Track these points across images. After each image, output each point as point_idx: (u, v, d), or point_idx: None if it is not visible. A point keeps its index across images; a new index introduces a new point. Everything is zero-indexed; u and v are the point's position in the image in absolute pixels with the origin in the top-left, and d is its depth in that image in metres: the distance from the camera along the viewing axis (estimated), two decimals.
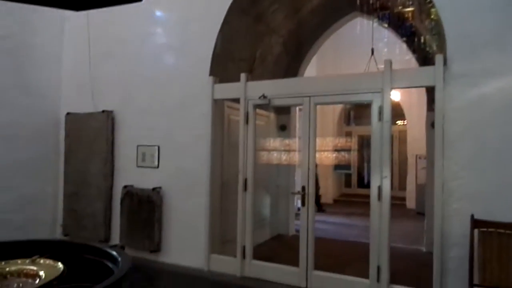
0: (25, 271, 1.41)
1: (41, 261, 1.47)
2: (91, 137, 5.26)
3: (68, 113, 5.51)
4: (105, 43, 5.35)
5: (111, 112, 5.18)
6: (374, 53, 7.33)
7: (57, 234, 5.47)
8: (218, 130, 4.69)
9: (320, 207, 9.17)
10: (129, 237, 4.90)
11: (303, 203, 4.01)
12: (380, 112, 3.66)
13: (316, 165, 4.42)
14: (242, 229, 4.30)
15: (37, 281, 1.33)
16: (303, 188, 4.03)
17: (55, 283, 1.23)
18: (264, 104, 4.32)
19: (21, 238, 1.88)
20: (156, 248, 4.71)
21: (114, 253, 1.50)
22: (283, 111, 6.43)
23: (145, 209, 4.77)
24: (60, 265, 1.39)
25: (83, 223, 5.25)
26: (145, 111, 4.98)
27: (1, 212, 4.84)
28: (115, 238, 5.02)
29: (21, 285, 1.31)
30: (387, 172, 3.60)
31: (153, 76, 4.95)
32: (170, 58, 4.89)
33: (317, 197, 9.35)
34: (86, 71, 5.41)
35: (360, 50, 8.04)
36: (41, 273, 1.35)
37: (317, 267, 3.95)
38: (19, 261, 1.46)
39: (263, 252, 4.89)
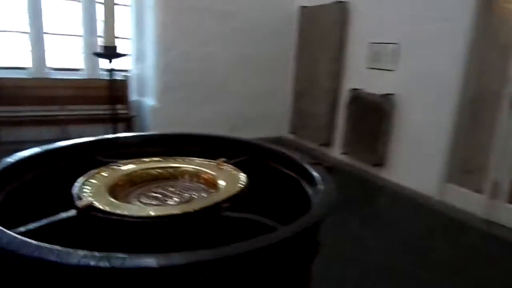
0: (203, 175, 1.08)
1: (226, 167, 1.12)
2: (322, 33, 4.83)
3: (302, 7, 5.17)
4: None
5: (345, 3, 4.51)
6: None
7: (284, 130, 5.63)
8: (482, 23, 3.37)
9: None
10: (351, 145, 4.52)
11: None
12: None
13: None
14: (498, 160, 3.18)
15: (211, 192, 0.99)
16: None
17: (224, 206, 0.85)
18: None
19: (250, 132, 1.58)
20: (380, 162, 4.17)
21: (317, 175, 1.00)
22: None
23: (372, 117, 4.18)
24: (242, 178, 0.99)
25: (307, 123, 5.17)
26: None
27: (238, 105, 5.25)
28: (337, 144, 4.74)
29: (193, 194, 0.99)
30: None
31: None
32: None
33: None
34: None
35: None
36: (221, 182, 1.00)
37: None
38: (205, 162, 1.15)
39: None
